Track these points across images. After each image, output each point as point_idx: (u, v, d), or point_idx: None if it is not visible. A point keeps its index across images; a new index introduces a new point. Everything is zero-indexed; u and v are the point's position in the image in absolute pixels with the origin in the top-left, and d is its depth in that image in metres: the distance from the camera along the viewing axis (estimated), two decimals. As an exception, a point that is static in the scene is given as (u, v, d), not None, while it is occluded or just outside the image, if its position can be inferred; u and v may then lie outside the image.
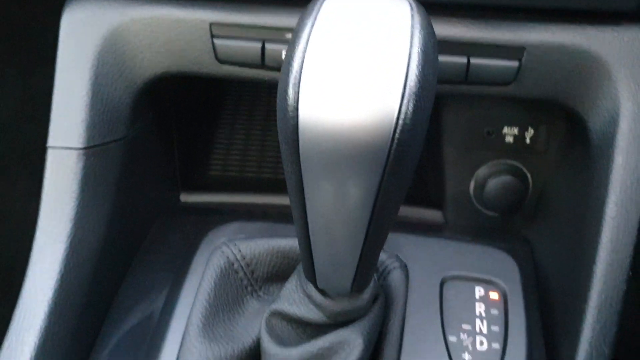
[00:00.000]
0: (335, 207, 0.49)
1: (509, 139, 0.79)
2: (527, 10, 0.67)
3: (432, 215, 0.87)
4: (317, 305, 0.60)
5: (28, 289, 0.63)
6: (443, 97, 0.77)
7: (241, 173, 0.96)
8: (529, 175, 0.81)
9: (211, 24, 0.69)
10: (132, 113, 0.72)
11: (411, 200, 0.89)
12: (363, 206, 0.48)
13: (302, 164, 0.46)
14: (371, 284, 0.61)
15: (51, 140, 0.68)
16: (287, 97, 0.44)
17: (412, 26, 0.45)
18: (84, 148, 0.68)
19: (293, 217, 0.53)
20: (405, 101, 0.42)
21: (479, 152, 0.81)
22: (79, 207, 0.67)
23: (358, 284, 0.58)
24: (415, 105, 0.43)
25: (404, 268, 0.70)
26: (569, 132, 0.77)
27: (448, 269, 0.71)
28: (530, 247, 0.80)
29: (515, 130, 0.79)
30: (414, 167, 0.48)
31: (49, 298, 0.63)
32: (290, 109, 0.44)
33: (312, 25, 0.44)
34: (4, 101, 1.65)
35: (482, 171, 0.82)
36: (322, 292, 0.60)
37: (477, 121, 0.79)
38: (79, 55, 0.69)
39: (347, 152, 0.44)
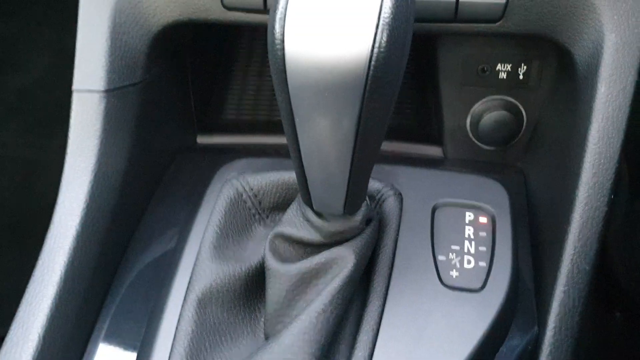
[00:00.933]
0: (322, 132, 0.55)
1: (503, 75, 0.83)
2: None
3: (432, 151, 0.92)
4: (315, 227, 0.66)
5: (58, 215, 0.71)
6: (437, 35, 0.81)
7: (254, 116, 1.02)
8: (522, 110, 0.85)
9: None
10: (148, 59, 0.78)
11: (412, 138, 0.94)
12: (347, 130, 0.54)
13: (290, 93, 0.52)
14: (363, 207, 0.67)
15: (75, 84, 0.75)
16: (275, 32, 0.49)
17: None
18: (105, 91, 0.74)
19: (288, 145, 0.59)
20: (379, 30, 0.47)
21: (474, 88, 0.85)
22: (102, 144, 0.74)
23: (350, 206, 0.63)
24: (389, 35, 0.48)
25: (399, 196, 0.75)
26: (559, 67, 0.81)
27: (440, 196, 0.76)
28: (523, 177, 0.85)
29: (509, 67, 0.83)
30: (393, 95, 0.53)
31: (76, 223, 0.70)
32: (277, 42, 0.49)
33: None
34: (41, 58, 1.75)
35: (477, 107, 0.86)
36: (319, 214, 0.66)
37: (472, 59, 0.83)
38: (98, 6, 0.75)
39: (330, 80, 0.49)
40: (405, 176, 0.79)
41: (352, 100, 0.51)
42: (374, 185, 0.76)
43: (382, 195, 0.75)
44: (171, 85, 0.87)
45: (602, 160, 0.70)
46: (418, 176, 0.79)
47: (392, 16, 0.48)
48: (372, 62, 0.48)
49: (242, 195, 0.75)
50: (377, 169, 0.80)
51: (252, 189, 0.76)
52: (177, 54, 0.88)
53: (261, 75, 1.09)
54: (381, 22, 0.47)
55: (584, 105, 0.72)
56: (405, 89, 1.05)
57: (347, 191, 0.61)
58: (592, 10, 0.70)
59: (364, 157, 0.57)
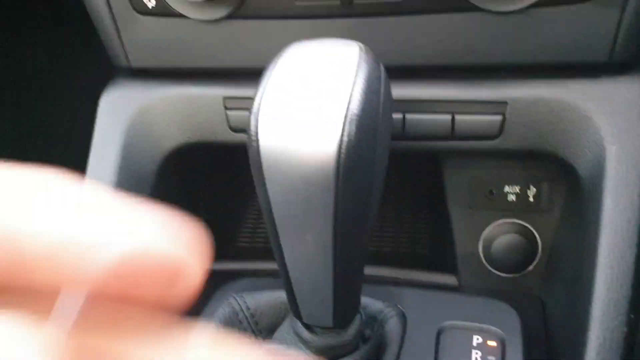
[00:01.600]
0: (301, 231, 0.54)
1: (512, 198, 0.81)
2: (507, 67, 0.73)
3: (447, 279, 0.88)
4: (304, 341, 0.63)
5: None
6: (441, 156, 0.81)
7: (268, 243, 1.02)
8: (536, 234, 0.82)
9: (224, 98, 0.78)
10: (157, 179, 0.81)
11: (426, 266, 0.91)
12: (324, 227, 0.52)
13: (267, 187, 0.52)
14: (356, 321, 0.63)
15: None
16: (250, 127, 0.51)
17: (358, 63, 0.52)
18: (110, 206, 0.76)
19: (274, 252, 0.58)
20: (347, 121, 0.48)
21: (484, 212, 0.83)
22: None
23: (340, 318, 0.60)
24: (357, 125, 0.48)
25: (402, 316, 0.71)
26: (570, 188, 0.79)
27: (447, 318, 0.71)
28: (541, 305, 0.79)
29: (517, 189, 0.81)
30: (369, 190, 0.53)
31: None
32: (252, 137, 0.51)
33: (273, 69, 0.52)
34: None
35: (488, 231, 0.83)
36: (309, 328, 0.62)
37: (479, 180, 0.82)
38: (112, 129, 0.80)
39: (303, 172, 0.50)
40: (411, 298, 0.75)
41: (326, 193, 0.50)
42: (376, 305, 0.72)
43: (385, 315, 0.71)
44: (181, 206, 0.89)
45: (615, 276, 0.65)
46: (424, 298, 0.75)
47: (360, 107, 0.49)
48: (342, 152, 0.48)
49: (238, 314, 0.73)
50: (381, 290, 0.77)
51: (249, 308, 0.73)
52: (189, 175, 0.91)
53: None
54: (349, 113, 0.48)
55: (592, 220, 0.69)
56: (418, 216, 1.04)
57: (335, 300, 0.58)
58: (590, 125, 0.70)
59: (347, 261, 0.55)
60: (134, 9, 0.75)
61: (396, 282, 0.87)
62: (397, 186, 1.12)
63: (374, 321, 0.71)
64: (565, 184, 0.79)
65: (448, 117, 0.73)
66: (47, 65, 1.25)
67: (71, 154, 0.80)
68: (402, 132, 0.74)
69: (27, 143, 1.24)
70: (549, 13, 0.67)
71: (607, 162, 0.68)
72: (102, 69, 0.85)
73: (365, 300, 0.71)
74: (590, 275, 0.66)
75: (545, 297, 0.81)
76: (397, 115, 0.74)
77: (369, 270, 0.91)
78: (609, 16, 0.67)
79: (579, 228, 0.73)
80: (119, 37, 0.78)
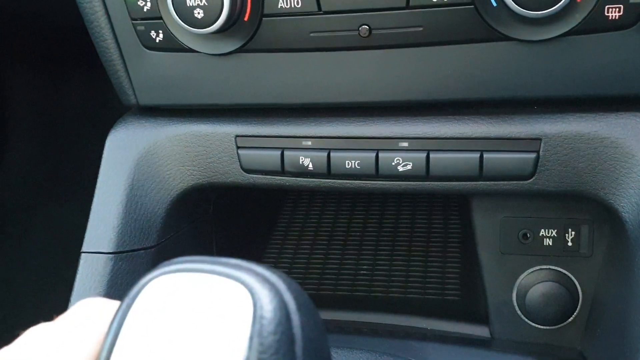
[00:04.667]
0: None
1: (548, 242, 0.75)
2: (540, 101, 0.67)
3: (478, 331, 0.81)
4: None
5: None
6: (468, 196, 0.75)
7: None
8: (576, 282, 0.75)
9: (236, 137, 0.74)
10: (165, 223, 0.76)
11: (456, 316, 0.84)
12: None
13: None
14: None
15: (85, 246, 0.73)
16: None
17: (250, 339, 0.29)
18: (114, 253, 0.72)
19: None
20: None
21: (517, 257, 0.76)
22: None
23: None
24: None
25: None
26: (613, 231, 0.72)
27: None
28: (584, 362, 0.72)
29: (554, 233, 0.74)
30: None
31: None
32: None
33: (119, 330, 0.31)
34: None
35: (523, 279, 0.76)
36: None
37: (511, 223, 0.75)
38: (118, 169, 0.75)
39: None
40: (436, 355, 0.68)
41: None
42: None
43: None
44: (192, 251, 0.84)
45: (667, 333, 0.58)
46: (451, 356, 0.68)
47: None
48: None
49: None
50: (403, 345, 0.70)
51: None
52: (199, 217, 0.86)
53: (298, 241, 1.05)
54: None
55: (638, 269, 0.61)
56: (447, 260, 0.97)
57: None
58: (635, 163, 0.63)
59: None
60: (142, 43, 0.71)
61: (422, 334, 0.81)
62: (425, 228, 1.06)
63: None
64: (608, 228, 0.72)
65: (476, 155, 0.67)
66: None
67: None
68: (426, 173, 0.68)
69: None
70: (585, 42, 0.61)
71: None
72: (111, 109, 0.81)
73: (384, 357, 0.65)
74: (637, 328, 0.59)
75: (587, 353, 0.73)
76: (420, 155, 0.68)
77: (392, 320, 0.85)
78: (653, 43, 0.60)
79: (624, 276, 0.66)
80: (127, 73, 0.74)
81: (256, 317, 0.29)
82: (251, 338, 0.28)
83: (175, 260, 0.32)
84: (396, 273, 0.97)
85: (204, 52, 0.69)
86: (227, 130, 0.74)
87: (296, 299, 0.30)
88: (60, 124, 1.29)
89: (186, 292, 0.31)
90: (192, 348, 0.29)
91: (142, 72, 0.74)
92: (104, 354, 0.30)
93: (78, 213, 0.81)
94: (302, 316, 0.30)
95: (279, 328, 0.29)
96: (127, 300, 0.31)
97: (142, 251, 0.74)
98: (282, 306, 0.29)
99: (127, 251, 0.73)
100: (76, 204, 0.89)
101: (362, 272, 0.98)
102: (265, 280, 0.30)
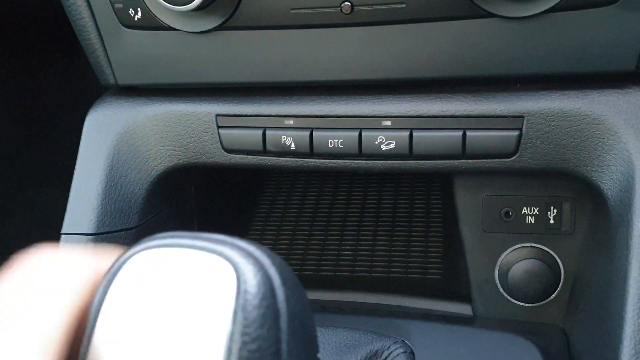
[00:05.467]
0: None
1: (530, 220, 0.75)
2: (523, 78, 0.67)
3: (461, 309, 0.81)
4: None
5: None
6: (451, 174, 0.75)
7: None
8: (558, 260, 0.75)
9: (217, 116, 0.73)
10: (146, 204, 0.75)
11: (438, 294, 0.84)
12: None
13: None
14: None
15: (65, 228, 0.72)
16: None
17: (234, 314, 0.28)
18: (94, 234, 0.71)
19: None
20: None
21: (499, 235, 0.76)
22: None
23: None
24: None
25: (410, 354, 0.65)
26: (595, 209, 0.72)
27: (460, 356, 0.65)
28: (566, 338, 0.72)
29: (536, 210, 0.75)
30: None
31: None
32: None
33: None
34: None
35: (505, 257, 0.77)
36: None
37: (493, 201, 0.75)
38: (97, 150, 0.74)
39: None
40: (420, 332, 0.68)
41: None
42: (381, 341, 0.66)
43: (390, 353, 0.65)
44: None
45: (648, 308, 0.58)
46: (435, 332, 0.69)
47: None
48: None
49: None
50: (387, 323, 0.70)
51: None
52: (181, 198, 0.85)
53: (281, 223, 1.05)
54: None
55: (620, 244, 0.62)
56: (430, 239, 0.97)
57: None
58: (617, 140, 0.63)
59: None
60: (120, 22, 0.70)
61: (405, 312, 0.81)
62: (407, 208, 1.06)
63: (379, 357, 0.65)
64: (590, 205, 0.73)
65: (459, 134, 0.66)
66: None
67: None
68: (409, 152, 0.68)
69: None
70: (568, 18, 0.61)
71: (637, 182, 0.62)
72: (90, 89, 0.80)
73: (368, 335, 0.65)
74: (620, 305, 0.60)
75: (568, 329, 0.74)
76: (403, 133, 0.68)
77: (375, 299, 0.85)
78: (636, 21, 0.60)
79: (606, 253, 0.66)
80: (105, 53, 0.73)
81: (240, 291, 0.28)
82: (235, 312, 0.28)
83: (158, 235, 0.32)
84: (379, 253, 0.97)
85: (184, 30, 0.68)
86: (208, 109, 0.73)
87: (280, 273, 0.30)
88: (36, 108, 1.27)
89: (169, 266, 0.30)
90: (175, 322, 0.28)
91: (121, 51, 0.72)
92: (87, 330, 0.30)
93: (58, 197, 0.80)
94: (287, 290, 0.30)
95: (263, 302, 0.28)
96: (108, 275, 0.31)
97: (123, 232, 0.73)
98: (267, 280, 0.29)
99: (108, 232, 0.72)
100: (55, 188, 0.88)
101: (345, 252, 0.98)
102: (249, 255, 0.30)
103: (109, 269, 0.31)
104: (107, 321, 0.30)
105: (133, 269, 0.30)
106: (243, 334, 0.28)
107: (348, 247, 0.99)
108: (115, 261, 0.31)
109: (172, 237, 0.31)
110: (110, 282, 0.30)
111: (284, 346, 0.28)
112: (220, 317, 0.28)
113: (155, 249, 0.31)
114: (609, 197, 0.64)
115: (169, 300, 0.29)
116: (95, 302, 0.30)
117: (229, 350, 0.27)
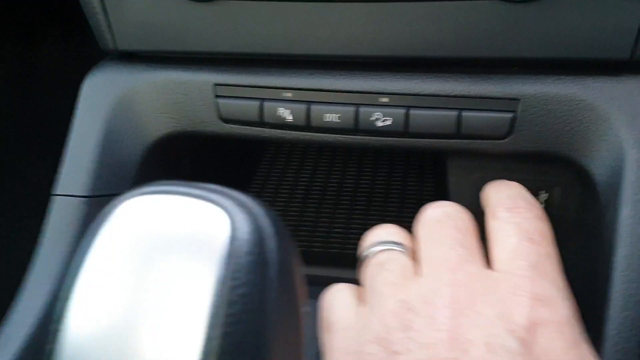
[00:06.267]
0: None
1: (520, 203, 0.76)
2: (519, 62, 0.67)
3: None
4: None
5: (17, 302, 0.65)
6: (443, 154, 0.76)
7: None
8: (545, 243, 0.76)
9: (215, 85, 0.73)
10: (140, 170, 0.76)
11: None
12: None
13: None
14: None
15: (56, 189, 0.72)
16: None
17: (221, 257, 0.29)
18: (87, 196, 0.71)
19: None
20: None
21: (489, 217, 0.77)
22: (74, 252, 0.69)
23: None
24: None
25: None
26: (585, 194, 0.73)
27: None
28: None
29: (527, 194, 0.75)
30: None
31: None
32: None
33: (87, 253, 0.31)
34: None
35: (494, 238, 0.77)
36: None
37: (484, 183, 0.76)
38: (94, 113, 0.74)
39: None
40: None
41: None
42: None
43: None
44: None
45: (631, 291, 0.59)
46: None
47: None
48: None
49: None
50: None
51: None
52: (176, 170, 0.85)
53: (274, 198, 1.05)
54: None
55: (607, 230, 0.63)
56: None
57: None
58: (609, 126, 0.64)
59: None
60: (122, -14, 0.70)
61: None
62: (400, 188, 1.07)
63: None
64: (580, 190, 0.73)
65: (455, 113, 0.67)
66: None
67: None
68: (404, 129, 0.68)
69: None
70: (566, 3, 0.62)
71: (626, 168, 0.62)
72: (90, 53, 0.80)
73: None
74: (605, 290, 0.61)
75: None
76: (400, 110, 0.68)
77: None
78: (632, 10, 0.61)
79: (593, 238, 0.67)
80: (106, 17, 0.73)
81: (232, 237, 0.29)
82: (226, 257, 0.29)
83: (152, 183, 0.32)
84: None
85: None
86: (206, 78, 0.73)
87: (273, 224, 0.31)
88: (31, 80, 1.27)
89: (161, 212, 0.31)
90: (165, 264, 0.29)
91: (122, 17, 0.72)
92: (71, 272, 0.30)
93: (51, 171, 0.80)
94: (278, 241, 0.30)
95: (255, 249, 0.29)
96: (98, 219, 0.31)
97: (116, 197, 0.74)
98: (259, 229, 0.30)
99: (101, 196, 0.72)
100: (48, 162, 0.88)
101: (337, 229, 0.99)
102: (243, 205, 0.31)
103: (100, 214, 0.32)
104: (96, 264, 0.30)
105: (125, 214, 0.31)
106: (233, 278, 0.28)
107: (340, 223, 1.00)
108: (110, 204, 0.32)
109: (166, 184, 0.32)
110: (99, 225, 0.31)
111: (271, 294, 0.29)
112: (211, 261, 0.29)
113: (149, 195, 0.31)
114: (599, 182, 0.65)
115: (159, 242, 0.30)
116: (84, 245, 0.31)
117: (218, 292, 0.28)
